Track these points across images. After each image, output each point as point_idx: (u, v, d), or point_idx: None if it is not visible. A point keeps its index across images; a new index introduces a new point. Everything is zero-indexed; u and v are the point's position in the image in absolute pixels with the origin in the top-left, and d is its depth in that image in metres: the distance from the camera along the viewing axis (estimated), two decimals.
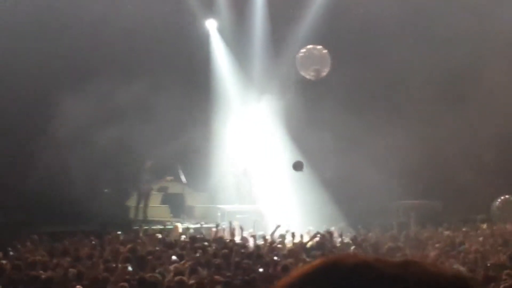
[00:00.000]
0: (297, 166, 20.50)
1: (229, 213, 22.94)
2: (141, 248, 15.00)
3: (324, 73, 21.19)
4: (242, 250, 15.27)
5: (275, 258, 14.16)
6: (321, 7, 26.20)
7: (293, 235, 17.24)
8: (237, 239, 17.17)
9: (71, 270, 12.41)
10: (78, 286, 11.34)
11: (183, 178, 24.44)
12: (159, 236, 17.72)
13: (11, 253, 15.09)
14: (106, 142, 22.92)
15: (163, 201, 24.88)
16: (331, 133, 24.57)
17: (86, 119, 23.10)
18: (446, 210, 24.20)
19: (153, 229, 20.44)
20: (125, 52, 24.55)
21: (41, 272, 12.26)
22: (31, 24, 23.60)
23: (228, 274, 12.44)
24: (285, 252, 15.31)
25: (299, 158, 23.54)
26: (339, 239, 17.93)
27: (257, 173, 25.24)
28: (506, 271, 11.63)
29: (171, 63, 24.84)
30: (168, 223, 22.26)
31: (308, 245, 16.32)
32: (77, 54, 24.17)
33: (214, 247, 15.48)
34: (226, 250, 14.76)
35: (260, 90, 26.31)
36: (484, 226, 20.59)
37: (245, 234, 17.61)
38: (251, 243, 16.70)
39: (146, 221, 22.61)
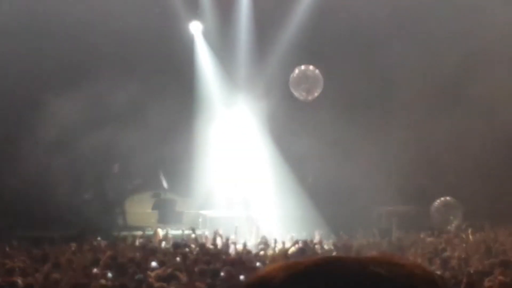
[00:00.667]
0: None
1: (211, 219, 22.89)
2: (122, 255, 14.89)
3: (316, 94, 21.22)
4: (224, 257, 15.19)
5: (258, 264, 14.08)
6: (307, 10, 26.10)
7: (275, 241, 17.19)
8: (219, 245, 17.08)
9: (51, 276, 12.28)
10: None
11: (164, 184, 24.33)
12: (140, 241, 17.63)
13: None
14: (89, 147, 22.84)
15: (154, 207, 24.75)
16: (315, 138, 24.52)
17: (69, 124, 22.99)
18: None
19: (132, 235, 20.36)
20: (110, 55, 24.44)
21: (20, 278, 12.12)
22: (17, 27, 23.44)
23: (209, 281, 12.34)
24: (267, 259, 15.23)
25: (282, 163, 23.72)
26: (320, 246, 17.89)
27: (241, 179, 25.20)
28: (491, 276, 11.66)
29: (156, 66, 24.79)
30: (149, 228, 22.14)
31: (290, 251, 16.26)
32: (64, 57, 24.05)
33: (195, 254, 15.39)
34: (207, 257, 14.68)
35: (245, 93, 26.24)
36: (468, 232, 20.55)
37: (226, 240, 17.48)
38: (232, 249, 16.62)
39: (126, 227, 22.53)
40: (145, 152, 23.87)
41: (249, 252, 16.12)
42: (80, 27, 23.92)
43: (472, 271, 13.18)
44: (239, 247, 16.59)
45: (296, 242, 17.11)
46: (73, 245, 16.79)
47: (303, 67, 21.50)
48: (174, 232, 21.58)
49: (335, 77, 24.36)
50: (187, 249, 16.02)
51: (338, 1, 25.75)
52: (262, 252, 16.40)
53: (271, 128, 25.62)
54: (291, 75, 21.65)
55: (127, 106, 24.17)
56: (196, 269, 13.29)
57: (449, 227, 21.07)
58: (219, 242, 17.31)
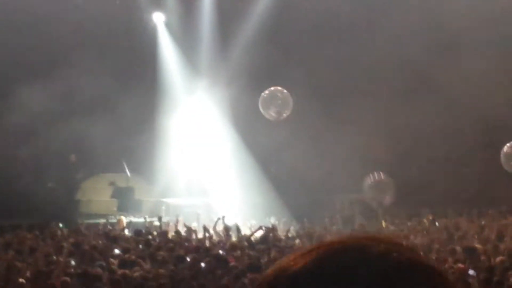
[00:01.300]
0: None
1: (174, 206, 23.00)
2: (85, 242, 14.94)
3: (285, 115, 21.49)
4: (186, 244, 15.30)
5: (220, 252, 14.19)
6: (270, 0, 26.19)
7: (238, 229, 17.29)
8: (182, 232, 17.16)
9: (14, 263, 12.30)
10: (21, 280, 11.26)
11: (127, 172, 24.33)
12: (103, 229, 17.69)
13: None
14: (53, 137, 22.83)
15: (113, 195, 24.73)
16: (279, 127, 24.64)
17: (35, 113, 22.90)
18: (395, 204, 24.38)
19: (96, 223, 20.40)
20: (72, 46, 24.33)
21: None
22: None
23: (172, 267, 12.45)
24: (229, 246, 15.34)
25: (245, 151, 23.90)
26: (284, 233, 18.04)
27: (203, 166, 25.31)
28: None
29: (118, 56, 24.73)
30: (112, 216, 22.18)
31: (252, 238, 16.40)
32: (26, 48, 23.90)
33: (157, 241, 15.47)
34: (171, 244, 14.78)
35: (208, 83, 26.30)
36: (430, 218, 20.79)
37: (188, 228, 17.56)
38: (194, 237, 16.70)
39: (90, 215, 22.57)
40: (108, 142, 23.84)
41: (211, 239, 16.24)
42: (41, 18, 23.79)
43: (434, 258, 13.47)
44: (201, 235, 16.69)
45: (260, 228, 17.27)
46: (37, 233, 16.79)
47: (272, 88, 21.71)
48: (137, 219, 21.64)
49: (299, 66, 24.56)
50: (149, 237, 16.11)
51: None
52: (224, 239, 16.53)
53: (233, 117, 25.73)
54: (261, 96, 21.88)
55: (90, 97, 24.14)
56: (159, 256, 13.39)
57: (381, 203, 21.34)
58: (181, 229, 17.40)
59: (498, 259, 12.82)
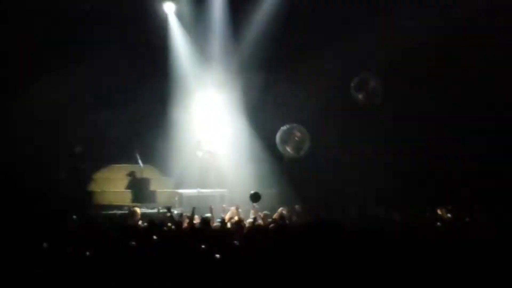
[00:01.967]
0: (255, 197, 20.55)
1: (188, 197, 22.96)
2: (100, 234, 14.88)
3: (302, 152, 21.59)
4: (201, 235, 15.22)
5: (235, 242, 14.12)
6: None
7: (254, 220, 17.25)
8: (196, 223, 17.10)
9: None
10: None
11: (140, 163, 24.28)
12: (118, 221, 17.66)
13: None
14: (64, 127, 22.86)
15: (128, 186, 24.72)
16: (291, 117, 24.58)
17: (45, 105, 22.93)
18: None
19: (110, 213, 20.40)
20: (81, 34, 24.27)
21: None
22: None
23: (187, 258, 12.39)
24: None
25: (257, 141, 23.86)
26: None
27: (216, 158, 25.25)
28: None
29: (128, 47, 24.67)
30: (126, 208, 22.17)
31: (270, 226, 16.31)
32: (39, 40, 23.87)
33: (172, 232, 15.42)
34: (185, 235, 14.73)
35: (219, 72, 26.22)
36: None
37: (202, 218, 17.48)
38: (209, 227, 16.61)
39: (104, 206, 22.58)
40: (121, 133, 23.85)
41: (225, 229, 16.17)
42: (53, 7, 23.74)
43: None
44: (216, 224, 16.65)
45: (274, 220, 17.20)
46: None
47: (290, 126, 21.93)
48: (150, 211, 21.62)
49: (311, 57, 24.43)
50: (164, 228, 16.05)
51: None
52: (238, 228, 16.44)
53: (245, 107, 25.67)
54: (280, 130, 22.03)
55: (101, 87, 24.12)
56: (174, 247, 13.34)
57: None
58: (196, 220, 17.34)
59: None
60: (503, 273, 10.76)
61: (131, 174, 24.81)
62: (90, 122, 23.81)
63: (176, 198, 23.38)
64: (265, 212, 20.04)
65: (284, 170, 24.66)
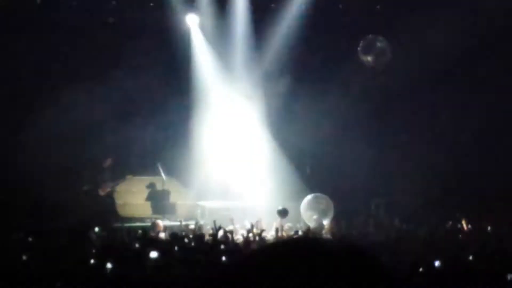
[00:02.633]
0: (283, 213, 20.66)
1: (209, 210, 22.86)
2: (121, 245, 14.86)
3: (325, 222, 21.69)
4: (222, 247, 15.15)
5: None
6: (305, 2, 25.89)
7: (277, 230, 17.17)
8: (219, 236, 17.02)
9: None
10: None
11: (162, 175, 24.27)
12: (139, 232, 17.61)
13: None
14: (88, 140, 22.93)
15: (148, 198, 24.73)
16: (314, 129, 24.44)
17: (68, 118, 22.98)
18: None
19: (132, 226, 20.36)
20: (106, 47, 24.36)
21: None
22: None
23: (208, 271, 12.30)
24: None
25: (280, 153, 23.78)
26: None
27: (238, 169, 25.15)
28: None
29: (151, 59, 24.66)
30: (148, 220, 22.14)
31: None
32: (62, 48, 23.98)
33: (193, 244, 15.37)
34: (206, 247, 14.67)
35: (242, 84, 26.13)
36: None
37: (224, 231, 17.42)
38: (230, 240, 16.55)
39: (125, 218, 22.59)
40: (143, 145, 23.85)
41: (248, 242, 16.08)
42: (79, 20, 23.86)
43: None
44: (238, 237, 16.57)
45: (296, 232, 17.09)
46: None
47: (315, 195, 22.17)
48: (173, 223, 21.57)
49: (335, 68, 24.32)
50: (186, 240, 16.00)
51: None
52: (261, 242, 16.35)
53: (268, 119, 25.56)
54: (305, 198, 22.32)
55: (123, 100, 24.13)
56: (194, 259, 13.27)
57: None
58: (219, 233, 17.26)
59: None
60: None
61: (151, 186, 24.84)
62: (113, 135, 23.78)
63: (199, 211, 23.30)
64: (288, 224, 19.99)
65: (308, 184, 24.50)
